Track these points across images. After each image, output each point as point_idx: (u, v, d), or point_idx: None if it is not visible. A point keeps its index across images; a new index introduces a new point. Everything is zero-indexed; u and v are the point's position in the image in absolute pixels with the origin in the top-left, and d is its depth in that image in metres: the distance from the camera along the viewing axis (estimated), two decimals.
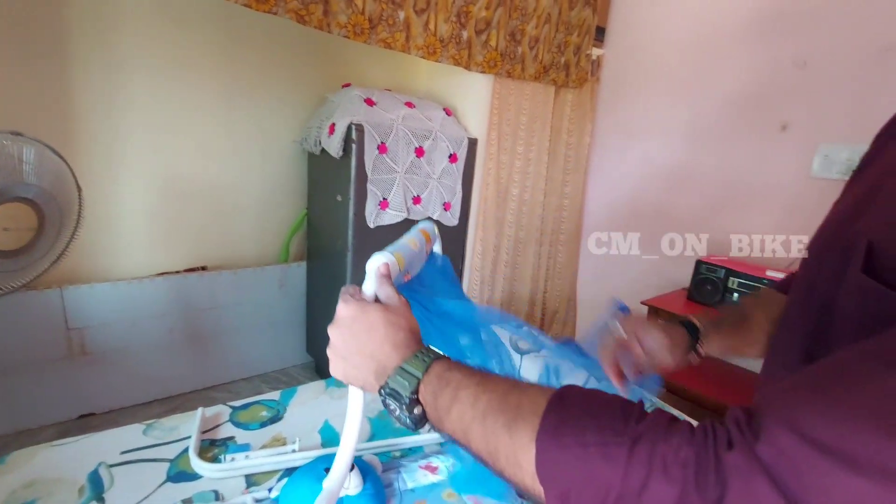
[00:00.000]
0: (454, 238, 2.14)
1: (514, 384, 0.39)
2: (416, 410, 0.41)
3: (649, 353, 0.65)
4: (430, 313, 0.59)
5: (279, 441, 0.81)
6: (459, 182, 2.04)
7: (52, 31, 1.54)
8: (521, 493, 0.72)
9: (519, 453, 0.35)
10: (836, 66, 1.65)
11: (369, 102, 1.83)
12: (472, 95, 2.08)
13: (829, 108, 1.68)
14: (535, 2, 1.96)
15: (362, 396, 0.50)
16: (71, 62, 1.58)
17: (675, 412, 0.68)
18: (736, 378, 1.94)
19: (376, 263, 0.49)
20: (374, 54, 2.15)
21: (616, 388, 0.65)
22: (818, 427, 0.26)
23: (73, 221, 1.23)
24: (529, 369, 0.86)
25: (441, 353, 0.45)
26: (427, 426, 0.43)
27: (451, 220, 2.09)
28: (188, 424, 0.82)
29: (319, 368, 2.24)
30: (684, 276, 2.00)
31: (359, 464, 0.67)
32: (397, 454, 0.81)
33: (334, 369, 0.48)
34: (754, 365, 1.94)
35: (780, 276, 1.72)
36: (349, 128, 1.71)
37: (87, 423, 1.76)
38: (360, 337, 0.45)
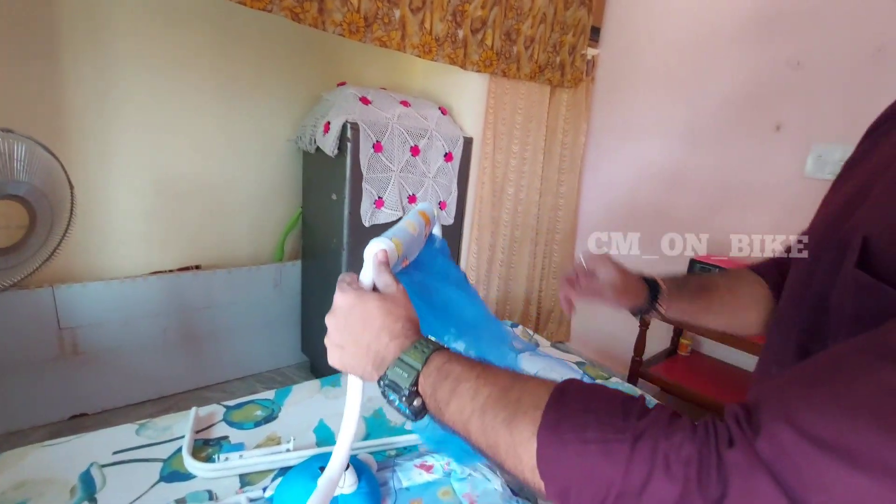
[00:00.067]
0: (449, 237, 2.14)
1: (515, 378, 0.39)
2: (416, 402, 0.41)
3: (601, 286, 0.67)
4: (428, 300, 0.58)
5: (273, 440, 0.81)
6: (455, 181, 2.04)
7: (45, 28, 1.52)
8: (517, 492, 0.72)
9: (519, 448, 0.35)
10: (830, 66, 1.66)
11: (364, 101, 1.82)
12: (468, 94, 2.08)
13: (822, 108, 1.69)
14: (531, 1, 1.96)
15: (361, 385, 0.50)
16: (63, 59, 1.57)
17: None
18: (731, 376, 1.95)
19: (374, 250, 0.48)
20: (369, 53, 2.14)
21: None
22: (817, 423, 0.26)
23: (65, 219, 1.22)
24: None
25: (440, 343, 0.44)
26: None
27: (447, 219, 2.09)
28: (181, 424, 0.81)
29: (314, 368, 2.23)
30: None
31: (354, 462, 0.66)
32: (392, 453, 0.81)
33: (331, 358, 0.47)
34: (749, 363, 1.95)
35: None
36: (344, 126, 1.70)
37: (79, 423, 1.74)
38: (357, 327, 0.45)
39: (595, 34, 2.29)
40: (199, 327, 1.97)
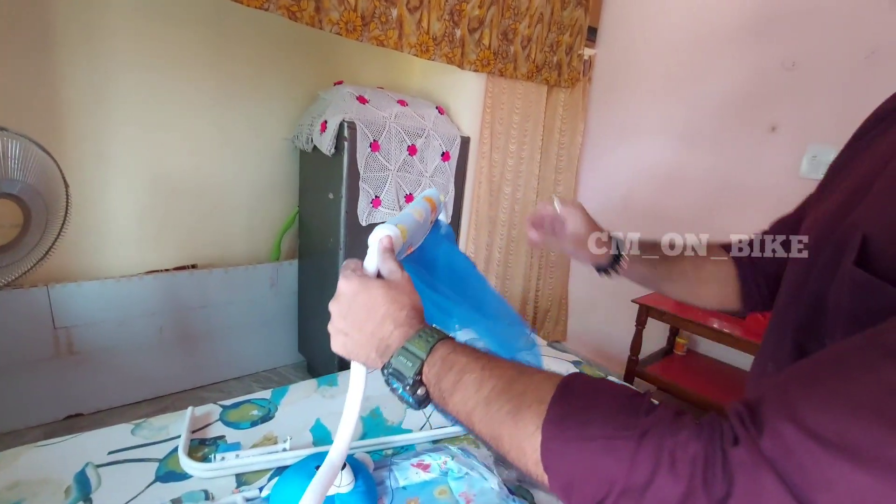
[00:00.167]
0: None
1: (520, 370, 0.39)
2: (420, 391, 0.41)
3: (565, 236, 0.69)
4: (433, 288, 0.58)
5: (270, 440, 0.81)
6: (452, 180, 2.04)
7: (39, 25, 1.51)
8: (514, 491, 0.73)
9: (523, 441, 0.35)
10: (825, 68, 1.67)
11: (361, 100, 1.82)
12: (465, 94, 2.08)
13: (817, 109, 1.70)
14: (528, 1, 1.97)
15: (365, 372, 0.49)
16: (58, 56, 1.56)
17: None
18: (727, 375, 1.96)
19: (379, 236, 0.48)
20: (366, 52, 2.14)
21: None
22: (820, 421, 0.26)
23: (60, 218, 1.21)
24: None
25: (445, 332, 0.44)
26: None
27: (444, 218, 2.09)
28: (177, 424, 0.81)
29: (311, 368, 2.23)
30: None
31: (350, 462, 0.66)
32: (389, 452, 0.81)
33: (335, 345, 0.47)
34: (745, 362, 1.96)
35: None
36: (341, 125, 1.70)
37: (74, 423, 1.73)
38: (361, 314, 0.45)
39: (592, 34, 2.29)
40: (195, 327, 1.96)
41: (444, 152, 1.97)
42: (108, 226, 1.78)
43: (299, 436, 0.82)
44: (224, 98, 1.91)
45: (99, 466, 0.70)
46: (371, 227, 1.82)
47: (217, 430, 0.82)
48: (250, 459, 0.73)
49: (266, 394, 0.94)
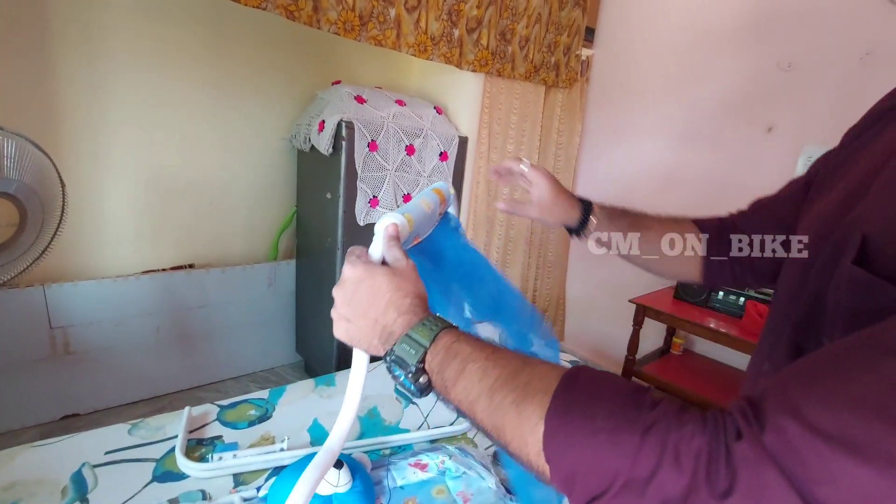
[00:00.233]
0: None
1: (525, 361, 0.39)
2: (422, 379, 0.41)
3: (532, 197, 0.70)
4: (438, 278, 0.58)
5: (267, 440, 0.81)
6: (450, 180, 2.04)
7: (36, 23, 1.51)
8: (512, 490, 0.73)
9: (526, 431, 0.35)
10: (821, 69, 1.68)
11: (360, 100, 1.82)
12: (463, 94, 2.08)
13: (813, 110, 1.71)
14: (526, 1, 1.97)
15: (367, 360, 0.49)
16: (55, 55, 1.55)
17: None
18: (723, 375, 1.97)
19: (385, 224, 0.48)
20: (364, 52, 2.14)
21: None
22: (822, 416, 0.26)
23: (57, 217, 1.20)
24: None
25: (448, 321, 0.44)
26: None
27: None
28: (174, 424, 0.81)
29: (309, 368, 2.22)
30: None
31: (348, 461, 0.66)
32: (387, 452, 0.81)
33: (337, 331, 0.47)
34: (741, 362, 1.97)
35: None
36: (339, 125, 1.70)
37: (70, 423, 1.72)
38: (365, 300, 0.45)
39: (590, 35, 2.30)
40: (193, 326, 1.96)
41: (441, 152, 1.97)
42: (105, 225, 1.77)
43: (297, 436, 0.82)
44: (222, 97, 1.91)
45: (96, 466, 0.70)
46: (369, 227, 1.83)
47: (214, 430, 0.82)
48: (248, 459, 0.73)
49: (263, 394, 0.94)
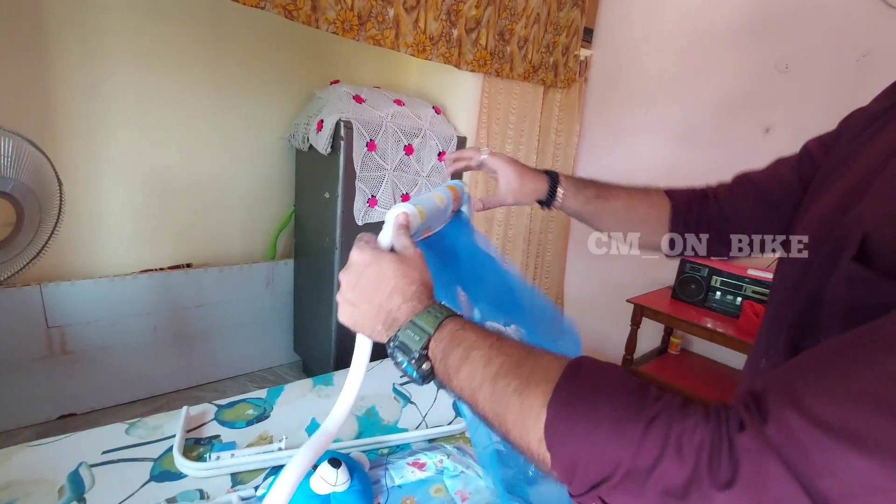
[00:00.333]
0: None
1: (529, 350, 0.39)
2: (425, 366, 0.41)
3: (500, 187, 0.71)
4: (447, 271, 0.58)
5: (266, 439, 0.81)
6: (448, 180, 2.04)
7: (32, 21, 1.50)
8: (510, 489, 0.73)
9: (528, 419, 0.35)
10: (817, 70, 1.69)
11: (358, 99, 1.82)
12: (462, 94, 2.08)
13: (810, 111, 1.72)
14: (525, 2, 1.97)
15: (370, 345, 0.49)
16: (52, 54, 1.55)
17: None
18: (720, 374, 1.98)
19: (396, 212, 0.49)
20: (363, 51, 2.14)
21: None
22: (823, 409, 0.26)
23: (54, 216, 1.20)
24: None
25: (454, 310, 0.44)
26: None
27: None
28: (172, 423, 0.81)
29: (307, 367, 2.22)
30: (670, 275, 2.03)
31: (346, 461, 0.66)
32: (385, 451, 0.81)
33: (342, 315, 0.47)
34: (738, 361, 1.98)
35: (762, 274, 1.76)
36: (337, 125, 1.70)
37: (67, 423, 1.72)
38: (371, 285, 0.45)
39: (588, 35, 2.30)
40: (190, 326, 1.96)
41: (440, 152, 1.97)
42: (103, 224, 1.77)
43: (295, 435, 0.82)
44: (220, 97, 1.90)
45: (93, 466, 0.70)
46: (367, 227, 1.83)
47: (212, 429, 0.82)
48: (246, 459, 0.73)
49: (261, 393, 0.94)
